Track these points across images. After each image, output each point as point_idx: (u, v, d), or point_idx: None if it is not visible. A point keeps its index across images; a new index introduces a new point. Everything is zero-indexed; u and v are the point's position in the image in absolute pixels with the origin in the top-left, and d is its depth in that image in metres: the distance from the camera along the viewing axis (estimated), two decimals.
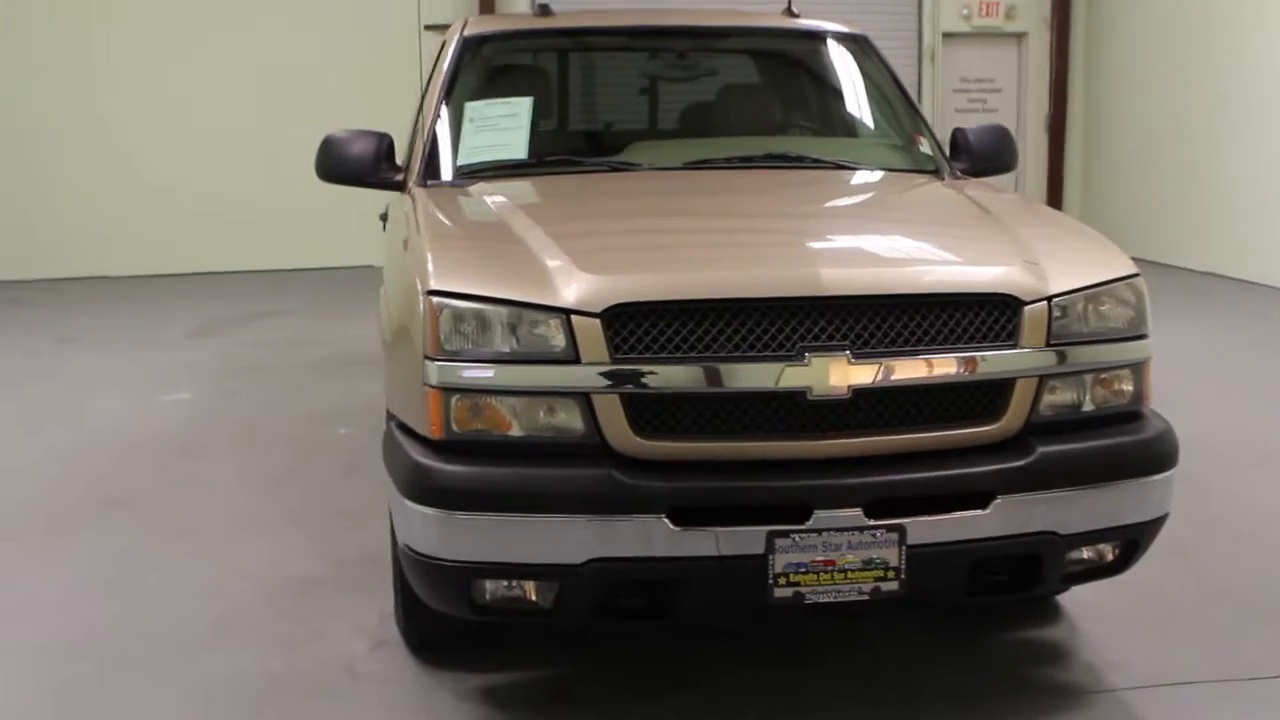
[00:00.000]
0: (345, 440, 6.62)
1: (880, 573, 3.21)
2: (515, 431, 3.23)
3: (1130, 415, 3.54)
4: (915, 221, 4.09)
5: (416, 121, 5.03)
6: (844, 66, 5.17)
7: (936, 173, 4.65)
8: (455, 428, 3.24)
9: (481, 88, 4.92)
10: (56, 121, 13.22)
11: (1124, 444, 3.43)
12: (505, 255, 3.50)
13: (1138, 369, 3.53)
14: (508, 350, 3.21)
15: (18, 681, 3.91)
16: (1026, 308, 3.32)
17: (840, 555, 3.18)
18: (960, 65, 15.22)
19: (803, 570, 3.17)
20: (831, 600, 3.21)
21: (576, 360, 3.15)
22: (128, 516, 5.44)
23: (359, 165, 4.56)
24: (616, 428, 3.17)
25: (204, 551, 5.00)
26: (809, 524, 3.15)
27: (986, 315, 3.30)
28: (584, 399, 3.17)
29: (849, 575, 3.19)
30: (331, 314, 10.65)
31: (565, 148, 4.87)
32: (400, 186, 4.53)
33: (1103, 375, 3.47)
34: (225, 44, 13.35)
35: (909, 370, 3.22)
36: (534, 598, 3.30)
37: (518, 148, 4.50)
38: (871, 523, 3.18)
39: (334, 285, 12.26)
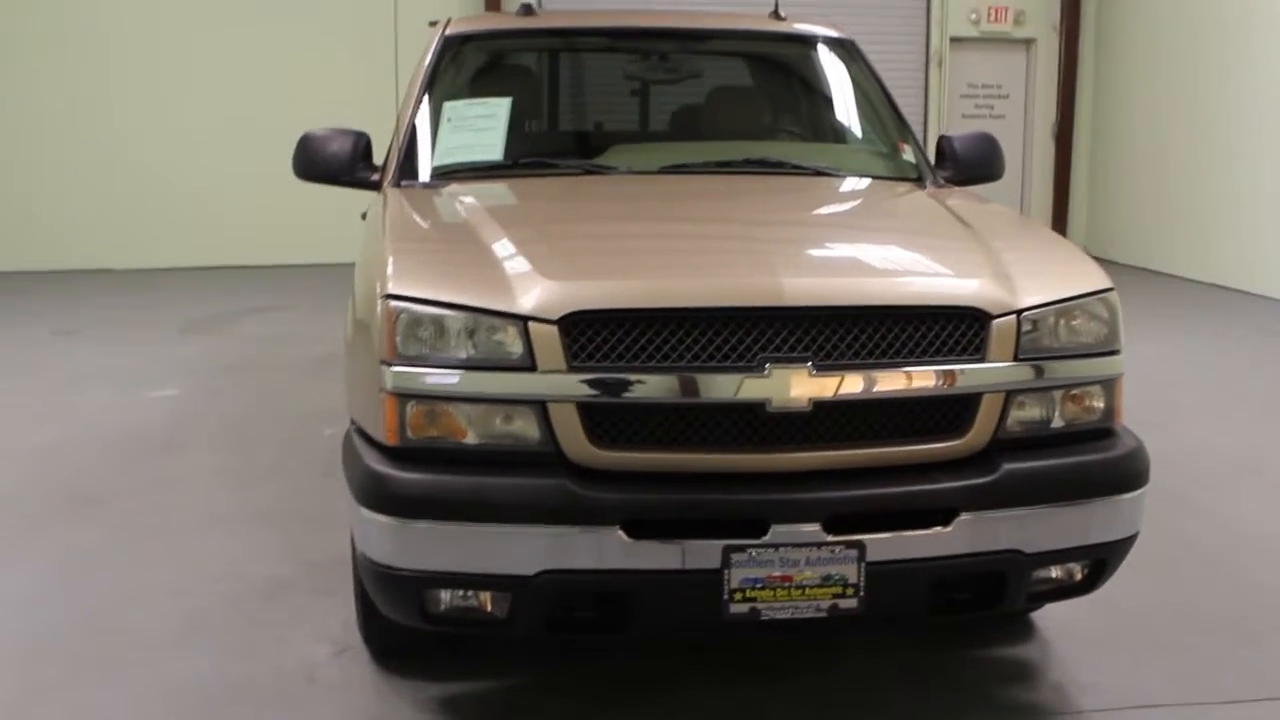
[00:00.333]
0: (328, 441, 6.53)
1: (839, 590, 3.14)
2: (471, 439, 3.17)
3: (1101, 432, 3.47)
4: (887, 231, 4.02)
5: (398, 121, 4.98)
6: (829, 71, 5.11)
7: (919, 181, 4.59)
8: (410, 434, 3.19)
9: (462, 88, 4.88)
10: (61, 114, 13.20)
11: (1092, 462, 3.36)
12: (467, 260, 3.45)
13: (1109, 385, 3.46)
14: (464, 356, 3.15)
15: None
16: (994, 321, 3.26)
17: (798, 571, 3.12)
18: (968, 71, 15.14)
19: (759, 586, 3.11)
20: (789, 617, 3.14)
21: (533, 367, 3.10)
22: (99, 514, 5.40)
23: (335, 164, 4.53)
24: (572, 437, 3.11)
25: (173, 551, 4.95)
26: (766, 539, 3.09)
27: (953, 328, 3.24)
28: (540, 407, 3.12)
29: (806, 592, 3.13)
30: (329, 311, 10.52)
31: (543, 149, 4.81)
32: (376, 186, 4.48)
33: (1073, 391, 3.40)
34: (229, 38, 13.33)
35: (871, 383, 3.15)
36: (487, 609, 3.25)
37: (494, 149, 4.44)
38: (830, 539, 3.11)
39: (335, 281, 12.15)
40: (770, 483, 3.14)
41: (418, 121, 4.56)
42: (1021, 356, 3.29)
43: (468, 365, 3.14)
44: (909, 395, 3.20)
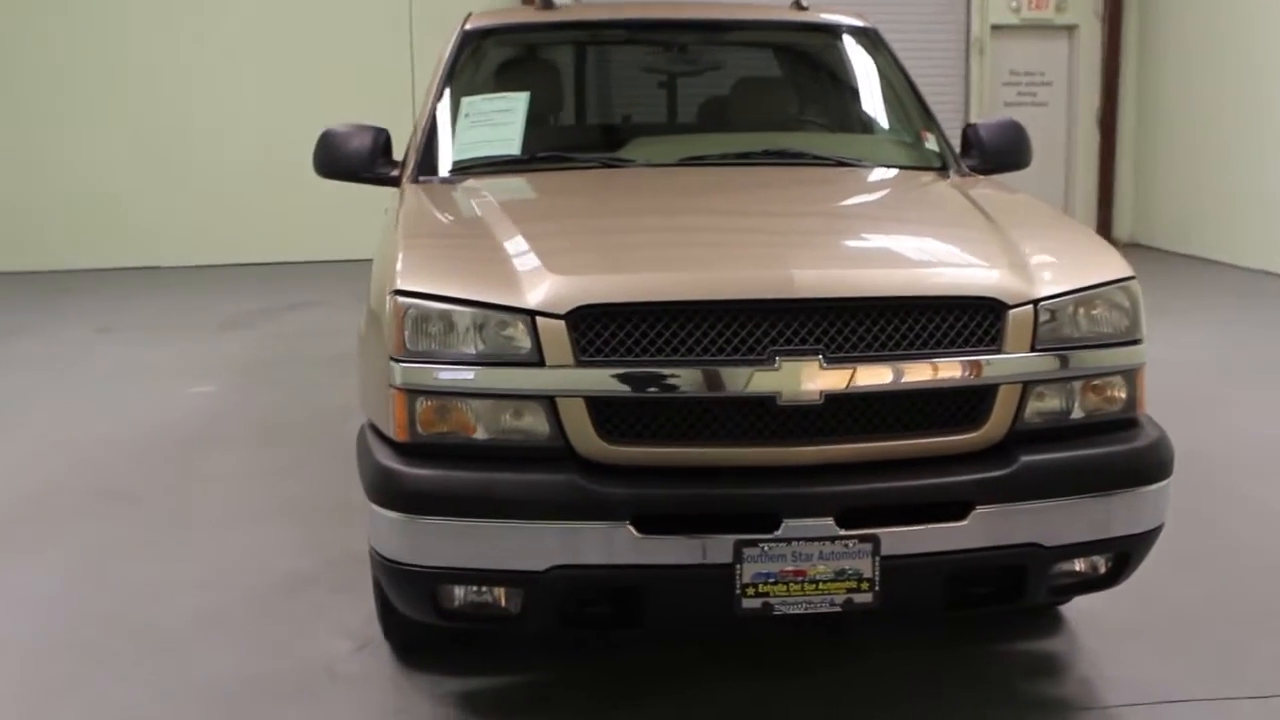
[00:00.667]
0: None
1: (853, 584, 3.11)
2: (480, 435, 3.16)
3: (1124, 423, 3.41)
4: (902, 221, 3.97)
5: (417, 116, 4.98)
6: (852, 60, 5.06)
7: (943, 170, 4.52)
8: (420, 430, 3.19)
9: (481, 82, 4.86)
10: (105, 116, 13.33)
11: (1113, 453, 3.31)
12: (477, 255, 3.45)
13: (1130, 375, 3.40)
14: (473, 352, 3.14)
15: None
16: (1011, 311, 3.21)
17: (811, 566, 3.09)
18: (1010, 58, 14.96)
19: (772, 580, 3.08)
20: (802, 611, 3.12)
21: (541, 363, 3.09)
22: (128, 508, 5.45)
23: (355, 160, 4.53)
24: (581, 432, 3.10)
25: (199, 545, 4.99)
26: (778, 533, 3.06)
27: (968, 319, 3.19)
28: (549, 402, 3.10)
29: (820, 586, 3.10)
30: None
31: (562, 143, 4.79)
32: (395, 182, 4.48)
33: (1094, 382, 3.35)
34: (265, 35, 13.41)
35: (884, 376, 3.12)
36: (499, 604, 3.24)
37: (511, 143, 4.42)
38: (843, 533, 3.08)
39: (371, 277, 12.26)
40: (782, 477, 3.11)
41: (436, 117, 4.55)
42: (1039, 347, 3.24)
43: (476, 361, 3.14)
44: (922, 387, 3.15)
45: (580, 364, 3.07)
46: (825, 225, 3.82)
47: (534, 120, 4.68)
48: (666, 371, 3.05)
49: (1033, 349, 3.23)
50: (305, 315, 10.46)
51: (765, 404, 3.07)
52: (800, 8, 5.13)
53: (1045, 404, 3.30)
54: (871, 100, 4.98)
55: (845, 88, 5.13)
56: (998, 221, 3.69)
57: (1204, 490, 5.58)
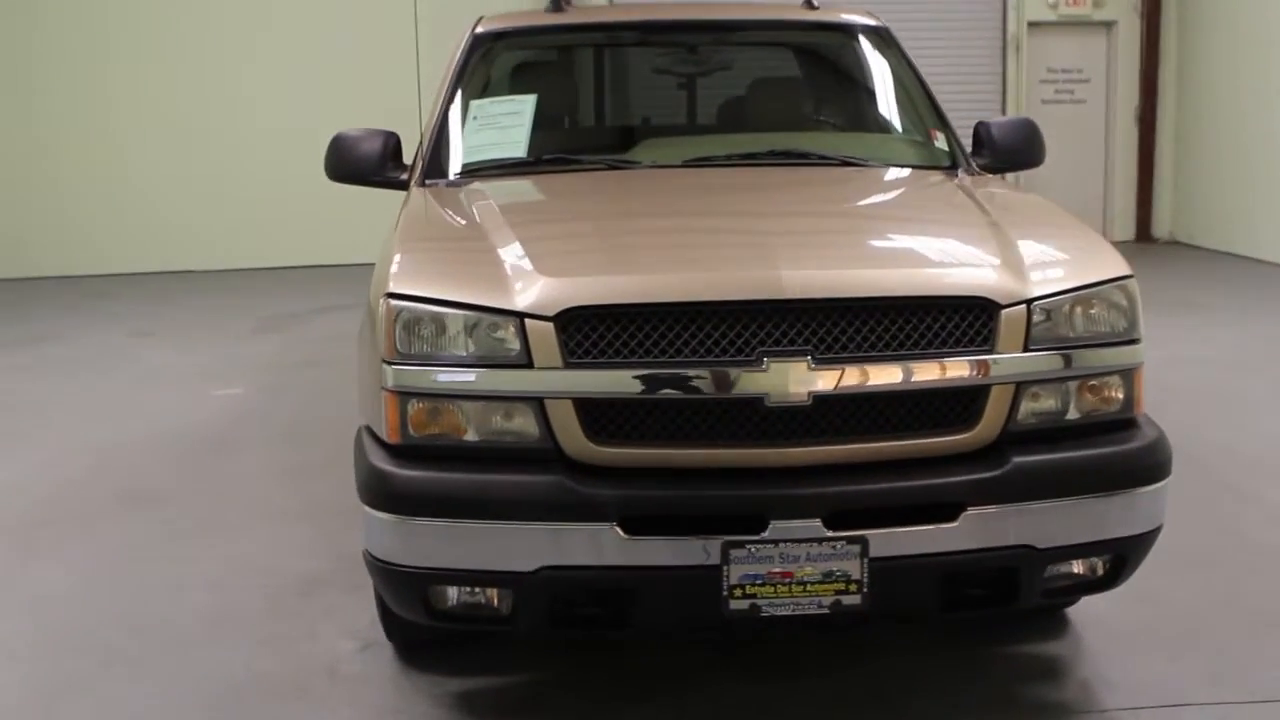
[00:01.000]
0: None
1: (841, 586, 3.10)
2: (471, 436, 3.18)
3: (1121, 423, 3.37)
4: (901, 220, 3.95)
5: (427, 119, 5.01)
6: (861, 59, 5.03)
7: (952, 169, 4.49)
8: (412, 432, 3.21)
9: (491, 85, 4.90)
10: (141, 121, 13.51)
11: (1108, 454, 3.27)
12: (470, 258, 3.47)
13: (1128, 375, 3.36)
14: (464, 354, 3.16)
15: (8, 673, 3.97)
16: (1003, 311, 3.18)
17: (798, 567, 3.08)
18: (1047, 55, 14.84)
19: (759, 582, 3.08)
20: (790, 613, 3.11)
21: (530, 364, 3.10)
22: (151, 509, 5.52)
23: (365, 164, 4.56)
24: (570, 433, 3.11)
25: (217, 546, 5.05)
26: (765, 535, 3.05)
27: (960, 319, 3.17)
28: (538, 404, 3.12)
29: (808, 588, 3.09)
30: None
31: (569, 145, 4.80)
32: (404, 185, 4.50)
33: (1090, 382, 3.32)
34: (294, 40, 13.56)
35: (873, 377, 3.10)
36: (489, 606, 3.25)
37: (518, 146, 4.44)
38: (831, 534, 3.07)
39: None
40: (770, 478, 3.11)
41: (444, 120, 4.58)
42: (1033, 347, 3.21)
43: (467, 363, 3.15)
44: (912, 388, 3.13)
45: (568, 365, 3.08)
46: (820, 225, 3.80)
47: (543, 122, 4.70)
48: (653, 373, 3.05)
49: (1026, 349, 3.20)
50: (336, 319, 10.51)
51: (753, 405, 3.07)
52: (811, 6, 5.11)
53: (1040, 404, 3.27)
54: (881, 99, 4.96)
55: (855, 87, 5.11)
56: (997, 221, 3.67)
57: (1222, 490, 5.54)
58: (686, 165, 4.43)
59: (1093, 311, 3.33)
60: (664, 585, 3.12)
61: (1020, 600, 3.30)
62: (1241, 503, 5.38)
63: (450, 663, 3.91)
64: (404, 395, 3.19)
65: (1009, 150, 4.69)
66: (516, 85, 4.95)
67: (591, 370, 3.07)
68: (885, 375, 3.11)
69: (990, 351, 3.17)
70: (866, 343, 3.11)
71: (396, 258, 3.41)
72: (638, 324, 3.08)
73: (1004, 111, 14.53)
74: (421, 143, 4.64)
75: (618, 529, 3.05)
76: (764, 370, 3.04)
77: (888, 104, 4.92)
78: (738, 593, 3.07)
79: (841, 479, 3.12)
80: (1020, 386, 3.21)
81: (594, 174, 4.39)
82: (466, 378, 3.15)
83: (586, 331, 3.08)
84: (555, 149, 4.64)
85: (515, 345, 3.11)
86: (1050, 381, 3.25)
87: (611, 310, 3.09)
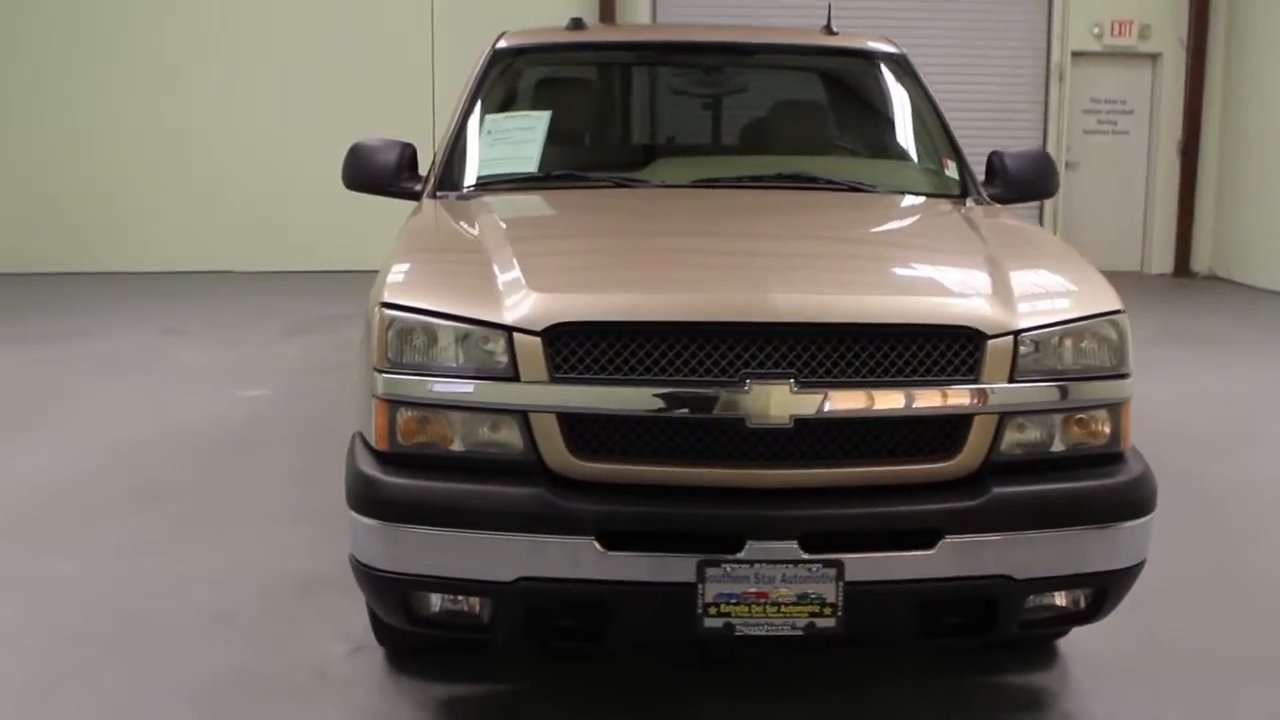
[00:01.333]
0: None
1: (816, 608, 3.12)
2: (457, 447, 3.23)
3: (1107, 457, 3.37)
4: (896, 247, 3.97)
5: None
6: (876, 86, 5.06)
7: (961, 198, 4.50)
8: (400, 440, 3.26)
9: (509, 101, 4.95)
10: (184, 124, 13.72)
11: (1090, 488, 3.27)
12: (465, 270, 3.52)
13: (1115, 409, 3.36)
14: (452, 365, 3.21)
15: (6, 661, 4.05)
16: (990, 341, 3.20)
17: (773, 588, 3.10)
18: (1091, 85, 14.81)
19: (734, 601, 3.10)
20: (764, 633, 3.13)
21: (516, 378, 3.14)
22: (163, 507, 5.60)
23: (381, 174, 4.62)
24: (553, 447, 3.14)
25: (224, 545, 5.12)
26: (741, 554, 3.08)
27: (946, 348, 3.18)
28: (522, 417, 3.16)
29: (782, 609, 3.11)
30: None
31: (581, 162, 4.84)
32: (418, 196, 4.57)
33: (1077, 415, 3.32)
34: (328, 47, 13.76)
35: (855, 402, 3.12)
36: (469, 614, 3.29)
37: (530, 161, 4.50)
38: (807, 556, 3.09)
39: None
40: (748, 499, 3.13)
41: (458, 133, 4.64)
42: (1018, 378, 3.22)
43: (455, 374, 3.20)
44: (894, 415, 3.15)
45: (554, 380, 3.12)
46: (814, 250, 3.82)
47: (559, 139, 4.75)
48: (636, 390, 3.09)
49: (1011, 380, 3.21)
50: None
51: (735, 426, 3.10)
52: (830, 32, 5.14)
53: (1025, 435, 3.28)
54: (894, 126, 4.97)
55: (869, 113, 5.13)
56: (994, 251, 3.67)
57: (1229, 529, 5.51)
58: (694, 186, 4.47)
59: (1082, 345, 3.34)
60: (640, 600, 3.15)
61: (998, 630, 3.31)
62: (1247, 543, 5.34)
63: (438, 669, 3.95)
64: (393, 403, 3.24)
65: (1022, 181, 4.69)
66: (534, 101, 5.00)
67: (576, 386, 3.11)
68: (868, 401, 3.13)
69: (975, 381, 3.18)
70: (851, 368, 3.13)
71: (394, 268, 3.47)
72: (624, 341, 3.11)
73: (1044, 141, 14.51)
74: (436, 155, 4.71)
75: (595, 543, 3.08)
76: (746, 392, 3.07)
77: (900, 131, 4.94)
78: (712, 611, 3.10)
79: (819, 502, 3.14)
80: (1004, 417, 3.22)
81: (602, 191, 4.43)
82: (454, 388, 3.19)
83: (573, 347, 3.12)
84: (569, 165, 4.69)
85: (504, 358, 3.15)
86: (1035, 413, 3.26)
87: (599, 327, 3.13)
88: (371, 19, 13.86)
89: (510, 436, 3.19)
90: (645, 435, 3.14)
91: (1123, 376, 3.37)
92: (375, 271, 3.54)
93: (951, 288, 3.47)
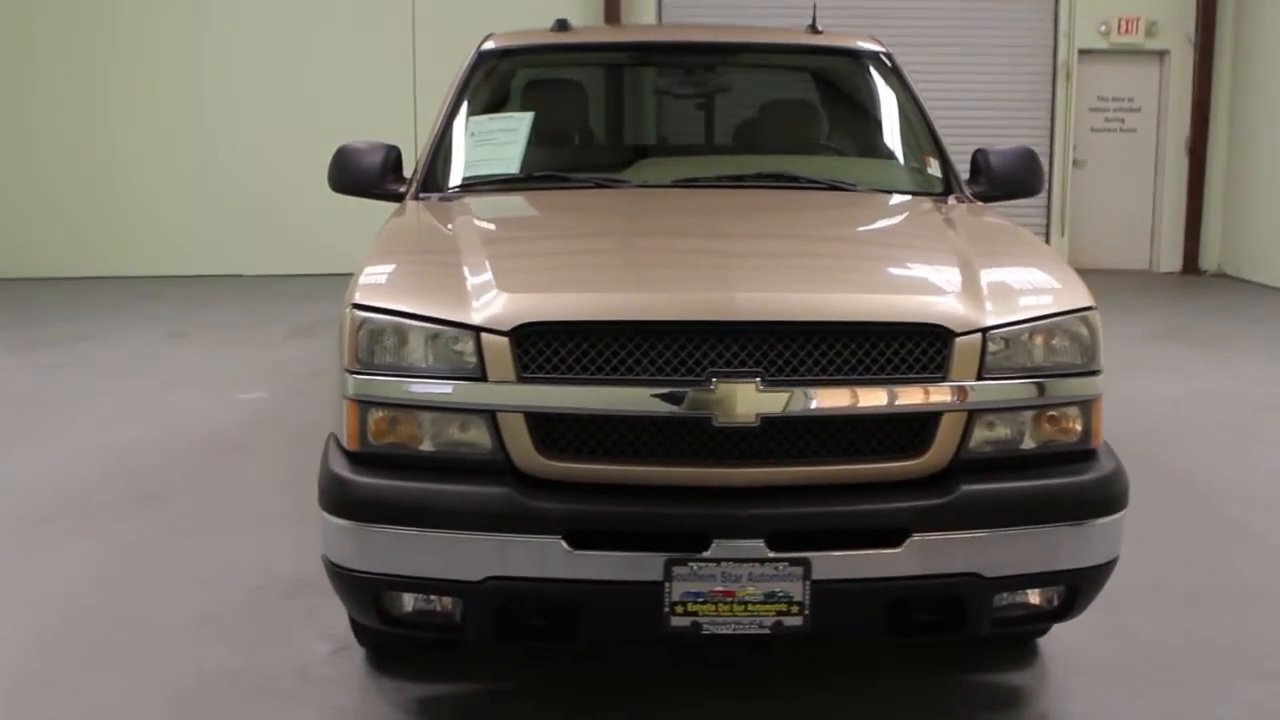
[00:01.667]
0: None
1: (783, 607, 3.12)
2: (427, 447, 3.24)
3: (1078, 454, 3.36)
4: (869, 245, 3.97)
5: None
6: (860, 84, 5.06)
7: (943, 196, 4.50)
8: (371, 440, 3.27)
9: (494, 103, 4.96)
10: (197, 127, 13.80)
11: (1060, 485, 3.27)
12: (437, 272, 3.54)
13: (1086, 406, 3.35)
14: (422, 366, 3.23)
15: None
16: (958, 339, 3.19)
17: (740, 587, 3.11)
18: (1098, 83, 14.76)
19: (700, 600, 3.11)
20: (731, 632, 3.14)
21: (485, 378, 3.15)
22: (155, 509, 5.63)
23: (366, 177, 4.63)
24: (521, 447, 3.15)
25: (214, 547, 5.14)
26: (707, 553, 3.08)
27: (914, 346, 3.18)
28: (490, 417, 3.17)
29: (749, 608, 3.12)
30: None
31: (567, 163, 4.85)
32: (401, 198, 4.58)
33: (1048, 412, 3.31)
34: (340, 51, 13.81)
35: (823, 400, 3.12)
36: (441, 614, 3.31)
37: (512, 162, 4.51)
38: (774, 555, 3.09)
39: None
40: (714, 497, 3.14)
41: (442, 135, 4.66)
42: (987, 375, 3.21)
43: (424, 374, 3.22)
44: (861, 413, 3.15)
45: (521, 380, 3.13)
46: (786, 249, 3.82)
47: (543, 140, 4.77)
48: (603, 390, 3.10)
49: (980, 378, 3.20)
50: None
51: (701, 425, 3.10)
52: (815, 31, 5.13)
53: (994, 433, 3.27)
54: (876, 124, 4.97)
55: (852, 111, 5.13)
56: (967, 249, 3.67)
57: (1223, 527, 5.49)
58: (675, 186, 4.48)
59: (1053, 342, 3.33)
60: (607, 600, 3.15)
61: (969, 629, 3.30)
62: (1241, 541, 5.32)
63: (417, 669, 3.97)
64: (364, 404, 3.26)
65: (1006, 179, 4.68)
66: (519, 103, 5.01)
67: (543, 385, 3.12)
68: (835, 399, 3.13)
69: (943, 379, 3.18)
70: (818, 366, 3.13)
71: (367, 269, 3.49)
72: (592, 341, 3.12)
73: (1051, 139, 14.47)
74: (419, 157, 4.72)
75: (563, 542, 3.09)
76: (712, 391, 3.07)
77: (883, 129, 4.93)
78: (679, 610, 3.11)
79: (786, 501, 3.14)
80: (973, 415, 3.22)
81: (583, 192, 4.44)
82: (424, 389, 3.21)
83: (540, 347, 3.13)
84: (552, 166, 4.69)
85: (472, 359, 3.17)
86: (1004, 410, 3.26)
87: (566, 327, 3.14)
88: (398, 19, 13.90)
89: (479, 436, 3.20)
90: (612, 435, 3.15)
91: (1094, 373, 3.36)
92: None
93: (920, 286, 3.47)
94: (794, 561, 3.10)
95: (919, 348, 3.18)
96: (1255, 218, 13.96)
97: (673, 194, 4.39)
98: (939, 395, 3.18)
